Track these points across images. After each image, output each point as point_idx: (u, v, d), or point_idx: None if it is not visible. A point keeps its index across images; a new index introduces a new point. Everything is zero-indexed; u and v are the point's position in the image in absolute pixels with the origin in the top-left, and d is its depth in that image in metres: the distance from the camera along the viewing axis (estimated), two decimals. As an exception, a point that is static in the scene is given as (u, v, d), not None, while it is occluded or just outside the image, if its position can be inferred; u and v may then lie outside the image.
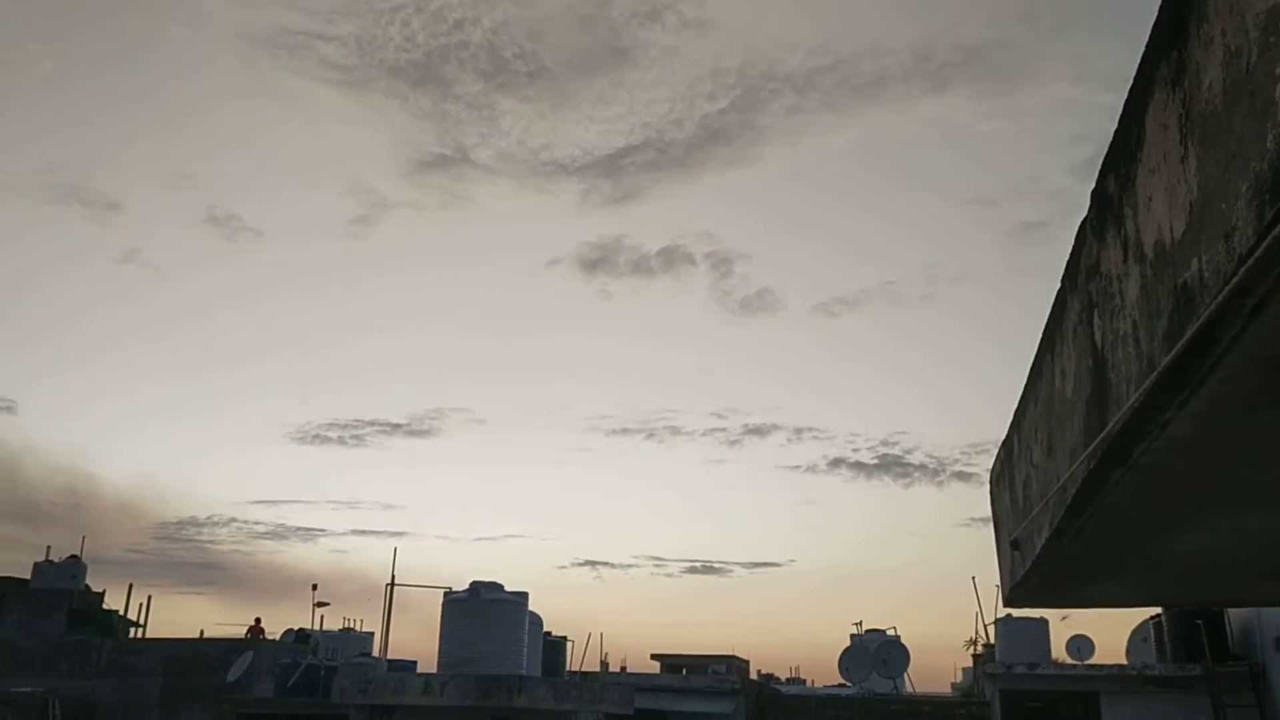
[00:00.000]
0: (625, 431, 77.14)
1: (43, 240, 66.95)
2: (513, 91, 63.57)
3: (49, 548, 33.04)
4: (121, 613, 32.73)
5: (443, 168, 62.99)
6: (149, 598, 34.03)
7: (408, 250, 74.72)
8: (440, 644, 19.84)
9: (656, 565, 67.76)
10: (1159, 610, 22.40)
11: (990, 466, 8.42)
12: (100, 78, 66.20)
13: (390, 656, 24.01)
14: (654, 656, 37.52)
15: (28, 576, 32.23)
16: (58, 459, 67.94)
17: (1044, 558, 6.00)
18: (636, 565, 68.99)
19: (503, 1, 61.06)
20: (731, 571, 65.98)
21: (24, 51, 60.92)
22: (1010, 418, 7.15)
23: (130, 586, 33.81)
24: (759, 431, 71.54)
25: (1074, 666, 24.32)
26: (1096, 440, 4.59)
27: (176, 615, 74.22)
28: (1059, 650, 25.99)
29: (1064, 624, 25.24)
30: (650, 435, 75.46)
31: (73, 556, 32.69)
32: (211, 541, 58.83)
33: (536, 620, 21.87)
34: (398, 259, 75.38)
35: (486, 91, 62.81)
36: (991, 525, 8.43)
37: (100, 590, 33.15)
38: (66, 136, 68.01)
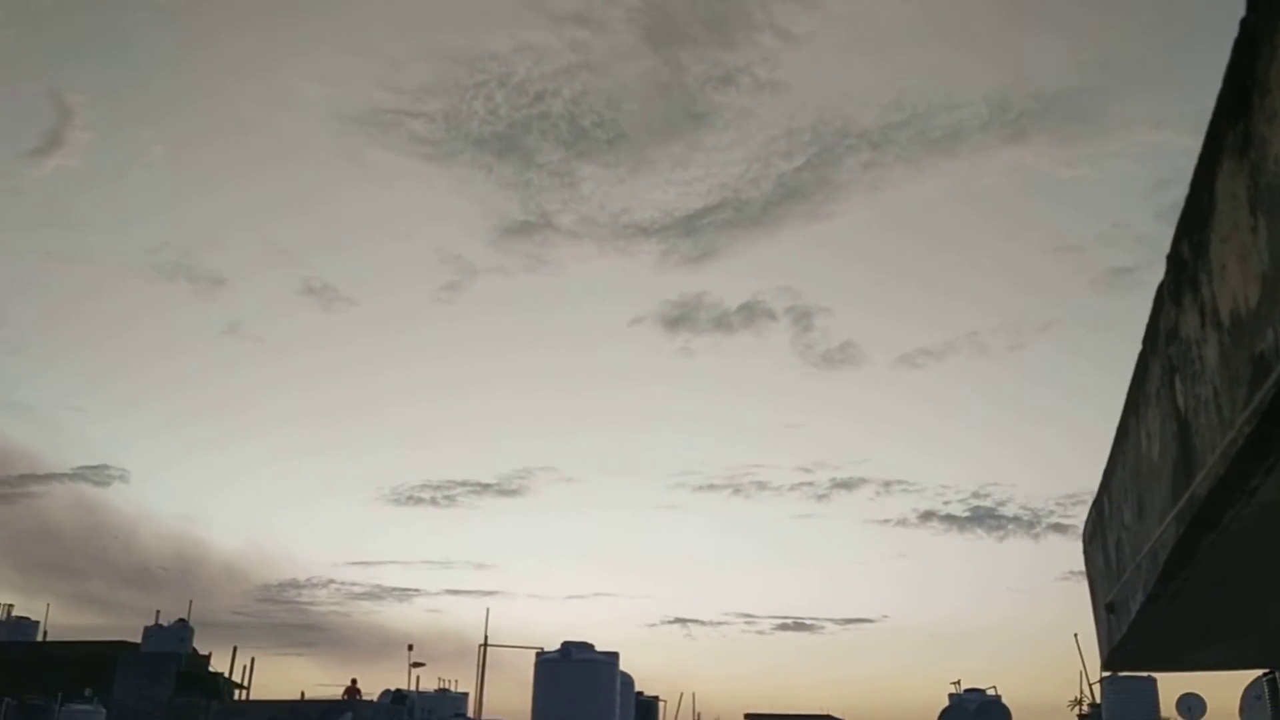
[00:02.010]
0: (712, 487, 76.65)
1: (154, 316, 70.13)
2: (593, 158, 64.99)
3: (158, 612, 34.14)
4: (227, 675, 33.55)
5: (527, 233, 64.36)
6: (252, 660, 34.84)
7: (495, 313, 76.19)
8: (534, 704, 19.92)
9: (747, 622, 66.80)
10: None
11: (1084, 523, 8.29)
12: (205, 159, 69.51)
13: (485, 716, 24.16)
14: (747, 716, 36.94)
15: (139, 640, 33.28)
16: (168, 525, 70.25)
17: (1140, 622, 5.90)
18: (727, 622, 68.09)
19: (581, 72, 62.75)
20: (824, 628, 64.61)
21: (136, 137, 64.42)
22: (1101, 475, 7.06)
23: (235, 649, 34.68)
24: (847, 485, 70.39)
25: (1188, 726, 23.29)
26: (1185, 505, 4.55)
27: (278, 677, 75.47)
28: (1169, 708, 24.94)
29: (1173, 683, 24.21)
30: (737, 490, 74.86)
31: (181, 620, 33.68)
32: (311, 603, 59.97)
33: (628, 680, 21.80)
34: (485, 322, 76.91)
35: (567, 159, 64.38)
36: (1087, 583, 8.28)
37: (206, 653, 34.05)
38: (174, 216, 71.42)
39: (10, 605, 37.12)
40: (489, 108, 62.81)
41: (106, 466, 58.70)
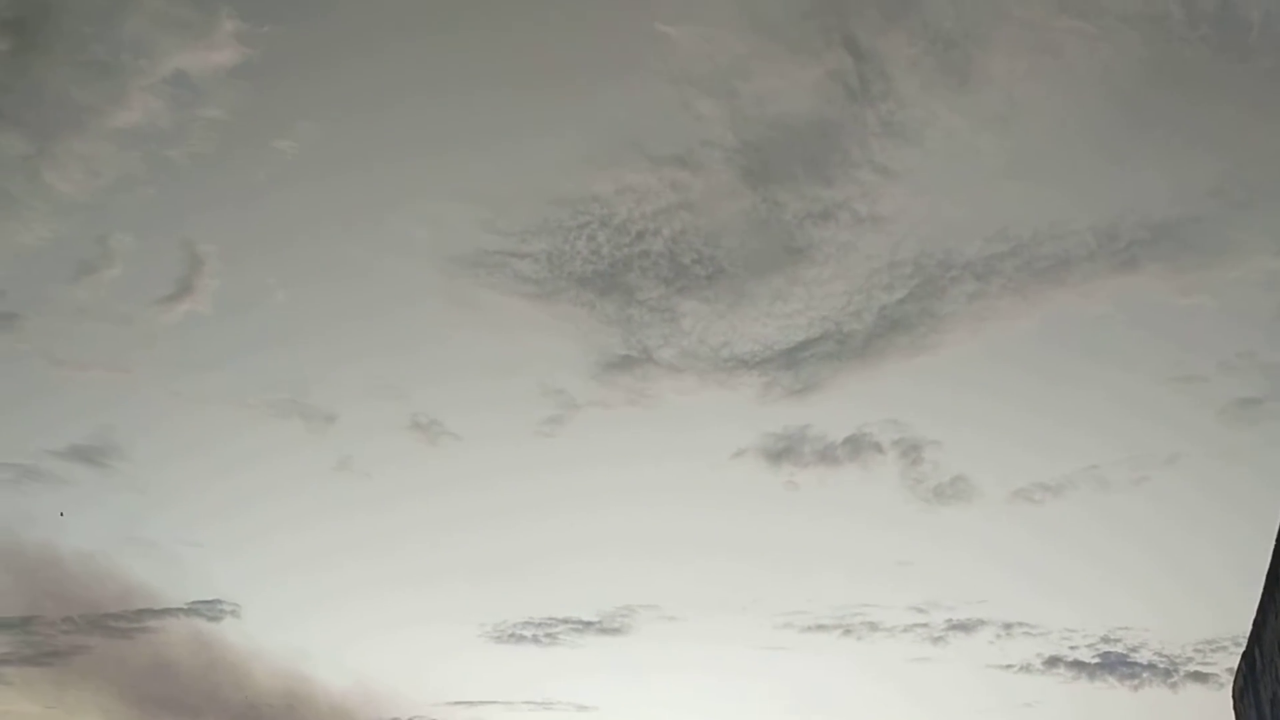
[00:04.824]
0: (820, 628, 74.21)
1: (269, 453, 72.70)
2: (692, 294, 66.25)
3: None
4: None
5: (628, 368, 65.35)
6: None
7: (596, 447, 76.72)
8: None
9: (862, 774, 63.55)
10: None
11: (1231, 673, 7.75)
12: (321, 302, 72.96)
13: None
14: None
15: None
16: (278, 662, 70.97)
17: (1306, 788, 5.44)
18: (841, 774, 64.85)
19: (681, 212, 64.63)
20: (945, 783, 60.92)
21: (261, 283, 68.26)
22: (1248, 623, 6.63)
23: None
24: (964, 627, 67.50)
25: None
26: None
27: (378, 823, 74.34)
28: None
29: None
30: (847, 632, 72.38)
31: (285, 760, 33.54)
32: (412, 746, 59.29)
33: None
34: (587, 457, 77.44)
35: (668, 295, 65.76)
36: (1240, 742, 7.68)
37: (309, 795, 33.68)
38: (291, 357, 74.75)
39: (124, 742, 37.54)
40: (592, 248, 64.97)
41: (220, 601, 60.05)
